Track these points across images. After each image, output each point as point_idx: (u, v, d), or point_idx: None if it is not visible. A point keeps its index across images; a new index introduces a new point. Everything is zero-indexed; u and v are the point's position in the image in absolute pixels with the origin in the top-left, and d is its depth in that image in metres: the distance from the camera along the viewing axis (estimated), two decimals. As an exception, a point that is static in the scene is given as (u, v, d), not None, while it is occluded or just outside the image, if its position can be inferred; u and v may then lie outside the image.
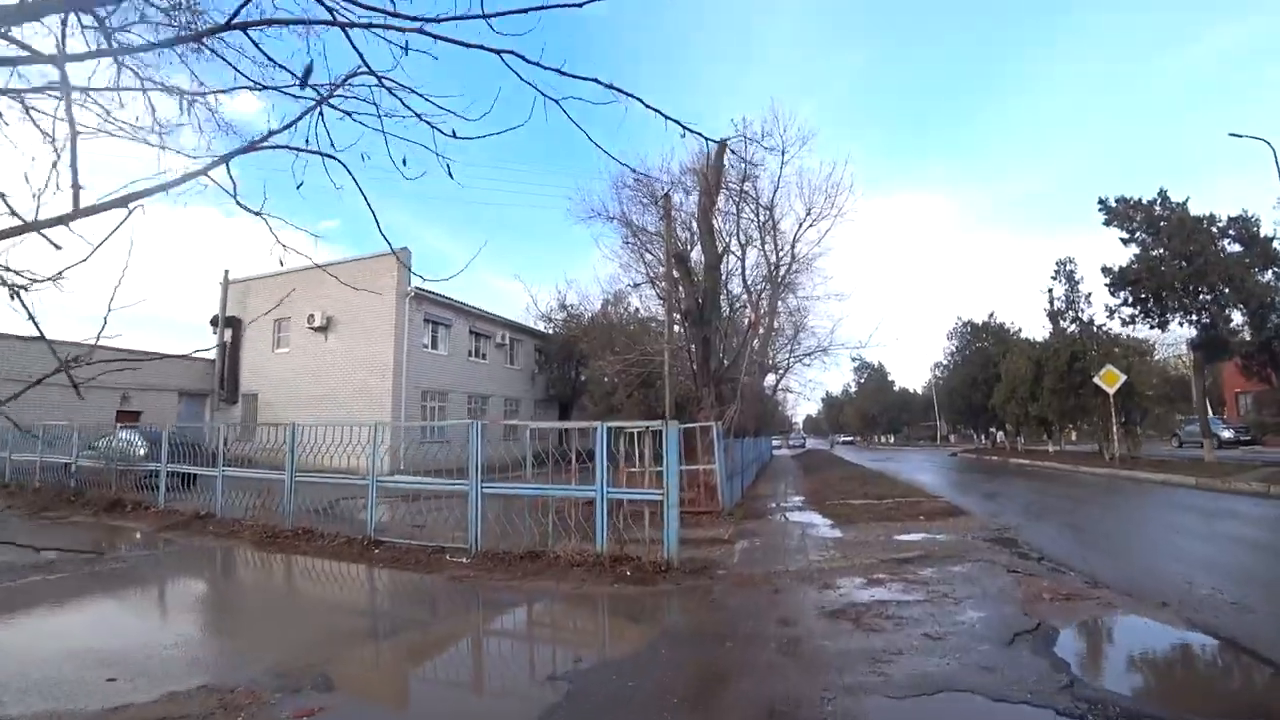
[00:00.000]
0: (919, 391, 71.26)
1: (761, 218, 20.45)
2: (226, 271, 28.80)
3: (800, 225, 18.52)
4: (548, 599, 5.88)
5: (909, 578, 6.05)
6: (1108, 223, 15.71)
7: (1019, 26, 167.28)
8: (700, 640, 4.62)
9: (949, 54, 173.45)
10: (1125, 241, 15.74)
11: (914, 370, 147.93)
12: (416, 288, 23.43)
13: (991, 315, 34.61)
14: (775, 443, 49.11)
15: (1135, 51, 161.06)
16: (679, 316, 13.68)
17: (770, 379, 37.05)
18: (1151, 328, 16.11)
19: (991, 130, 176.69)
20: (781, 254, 24.09)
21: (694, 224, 14.10)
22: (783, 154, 18.07)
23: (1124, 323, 16.03)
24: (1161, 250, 14.42)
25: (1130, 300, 15.41)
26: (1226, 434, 28.00)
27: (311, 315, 24.69)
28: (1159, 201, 14.82)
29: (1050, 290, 29.55)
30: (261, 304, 27.95)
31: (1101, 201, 15.59)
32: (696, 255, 15.48)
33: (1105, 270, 15.56)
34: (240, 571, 7.83)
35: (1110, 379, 19.26)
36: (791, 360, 25.86)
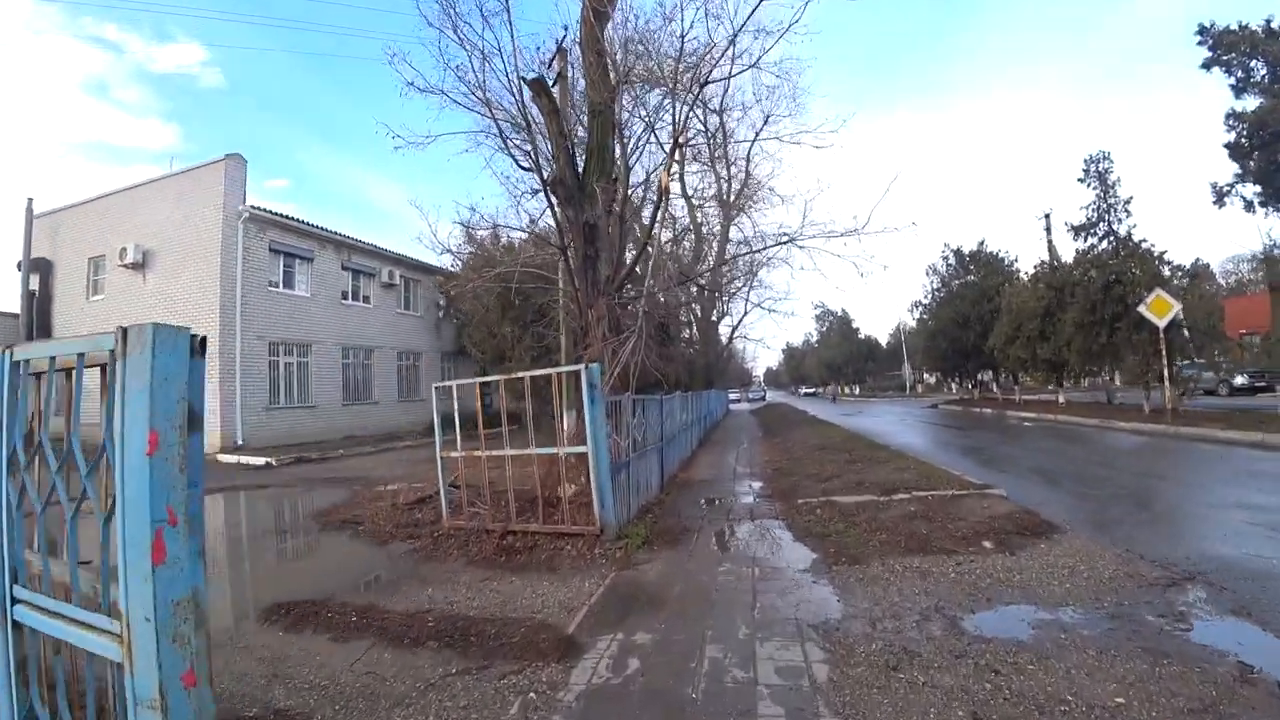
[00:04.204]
0: (885, 340, 67.72)
1: (710, 126, 15.32)
2: (30, 200, 22.12)
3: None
4: None
5: None
6: (1209, 64, 10.62)
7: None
8: None
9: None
10: (1238, 89, 10.71)
11: (880, 318, 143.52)
12: (253, 207, 17.41)
13: (982, 244, 29.52)
14: (733, 396, 44.81)
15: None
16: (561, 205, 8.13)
17: (725, 328, 31.99)
18: (1284, 211, 11.44)
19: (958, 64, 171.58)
20: (734, 168, 18.89)
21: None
22: (733, 40, 12.38)
23: (1246, 206, 11.26)
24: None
25: (1251, 172, 10.50)
26: (1239, 380, 25.30)
27: (124, 249, 18.49)
28: (1293, 25, 9.89)
29: (1047, 216, 24.90)
30: (76, 240, 21.65)
31: (1203, 30, 10.39)
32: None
33: (1231, 118, 10.46)
34: None
35: (1160, 308, 14.81)
36: (749, 286, 20.93)
